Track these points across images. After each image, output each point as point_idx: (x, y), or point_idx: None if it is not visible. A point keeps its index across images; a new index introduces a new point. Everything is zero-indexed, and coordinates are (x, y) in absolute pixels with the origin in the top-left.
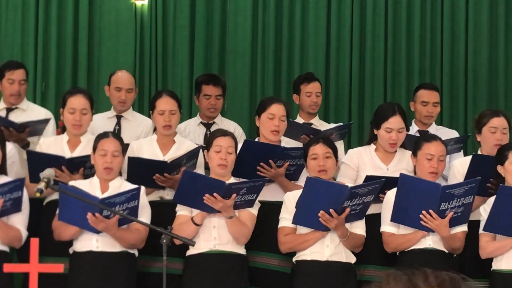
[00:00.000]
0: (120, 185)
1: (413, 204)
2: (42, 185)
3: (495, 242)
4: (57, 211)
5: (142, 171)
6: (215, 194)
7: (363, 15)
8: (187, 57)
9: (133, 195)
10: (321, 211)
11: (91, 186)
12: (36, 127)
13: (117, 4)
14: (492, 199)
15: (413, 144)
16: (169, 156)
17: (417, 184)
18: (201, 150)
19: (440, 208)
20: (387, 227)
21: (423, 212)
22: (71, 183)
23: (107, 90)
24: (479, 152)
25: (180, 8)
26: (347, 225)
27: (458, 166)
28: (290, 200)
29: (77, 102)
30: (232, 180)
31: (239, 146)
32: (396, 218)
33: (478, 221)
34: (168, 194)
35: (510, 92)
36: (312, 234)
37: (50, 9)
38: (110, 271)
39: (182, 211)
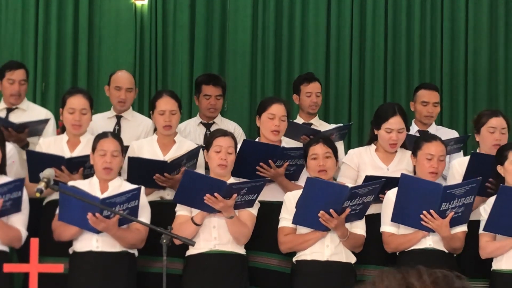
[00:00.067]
0: (120, 185)
1: (413, 204)
2: (42, 185)
3: (495, 242)
4: (57, 211)
5: (142, 171)
6: (216, 194)
7: (363, 15)
8: (187, 57)
9: (133, 195)
10: (321, 211)
11: (90, 186)
12: (36, 127)
13: (117, 4)
14: (492, 199)
15: (413, 144)
16: (169, 156)
17: (418, 184)
18: (201, 150)
19: (441, 208)
20: (387, 227)
21: (424, 212)
22: (71, 183)
23: (107, 90)
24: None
25: (180, 8)
26: (347, 225)
27: (457, 166)
28: (290, 200)
29: (76, 102)
30: (232, 180)
31: (239, 146)
32: (396, 218)
33: (478, 221)
34: (168, 194)
35: (510, 92)
36: (312, 234)
37: (50, 9)
38: (110, 271)
39: (181, 211)
